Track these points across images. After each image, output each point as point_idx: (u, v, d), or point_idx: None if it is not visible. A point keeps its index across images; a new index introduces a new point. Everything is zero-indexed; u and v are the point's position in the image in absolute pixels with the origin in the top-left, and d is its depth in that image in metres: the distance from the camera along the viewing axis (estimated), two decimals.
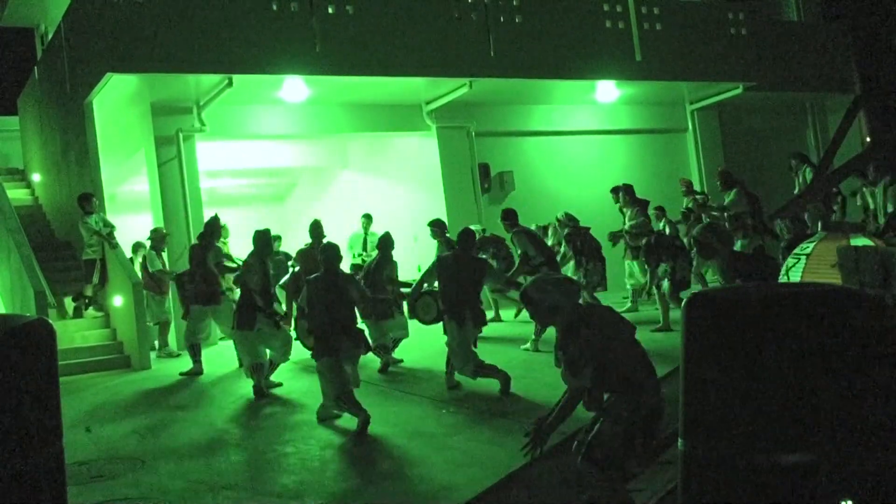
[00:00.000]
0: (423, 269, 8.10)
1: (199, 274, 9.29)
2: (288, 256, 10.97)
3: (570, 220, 10.55)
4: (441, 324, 7.69)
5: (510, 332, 10.01)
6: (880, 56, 16.50)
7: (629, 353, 4.01)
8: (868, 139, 15.66)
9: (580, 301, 4.41)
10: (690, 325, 2.86)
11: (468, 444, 5.87)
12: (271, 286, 8.32)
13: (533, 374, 7.64)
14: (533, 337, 8.82)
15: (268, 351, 8.10)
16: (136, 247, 11.15)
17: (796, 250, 5.60)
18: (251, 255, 8.20)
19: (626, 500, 4.05)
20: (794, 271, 5.38)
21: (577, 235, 10.26)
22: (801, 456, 2.60)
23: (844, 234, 5.44)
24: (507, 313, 11.18)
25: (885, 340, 2.69)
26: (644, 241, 9.77)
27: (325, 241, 8.28)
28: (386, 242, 9.04)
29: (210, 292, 9.31)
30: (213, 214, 9.86)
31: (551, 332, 6.41)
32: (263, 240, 8.20)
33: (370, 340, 8.28)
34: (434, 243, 10.58)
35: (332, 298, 6.72)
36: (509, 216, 9.81)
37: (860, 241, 5.33)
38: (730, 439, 2.70)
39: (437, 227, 10.36)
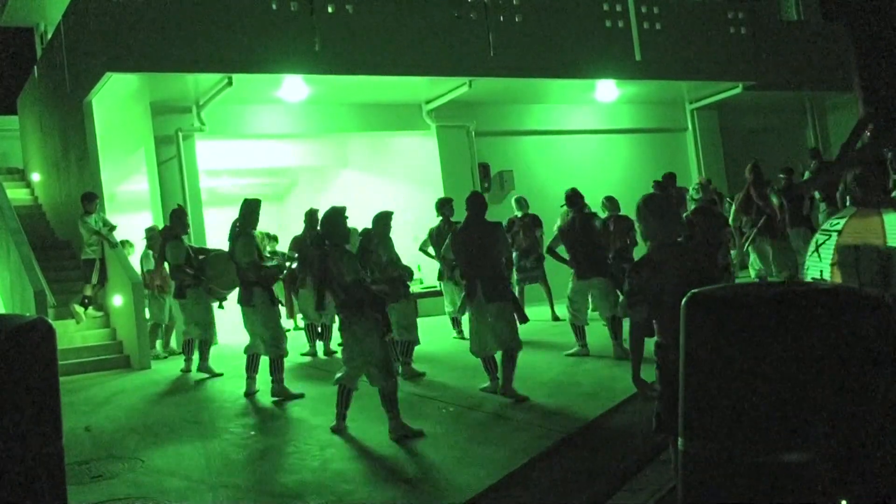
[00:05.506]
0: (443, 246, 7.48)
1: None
2: (285, 256, 10.55)
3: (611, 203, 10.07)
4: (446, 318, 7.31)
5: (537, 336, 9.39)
6: (880, 56, 16.49)
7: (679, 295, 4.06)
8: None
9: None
10: (690, 324, 2.86)
11: (468, 444, 5.87)
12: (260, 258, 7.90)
13: (534, 376, 7.64)
14: (579, 343, 8.34)
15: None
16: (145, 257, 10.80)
17: (825, 226, 5.31)
18: (238, 226, 7.69)
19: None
20: (824, 248, 5.13)
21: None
22: (800, 455, 2.60)
23: (875, 209, 5.16)
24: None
25: (885, 340, 2.69)
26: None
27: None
28: (379, 220, 8.25)
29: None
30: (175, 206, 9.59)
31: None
32: (251, 210, 7.70)
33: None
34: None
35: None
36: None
37: (893, 217, 5.03)
38: (730, 439, 2.70)
39: (444, 206, 9.98)
